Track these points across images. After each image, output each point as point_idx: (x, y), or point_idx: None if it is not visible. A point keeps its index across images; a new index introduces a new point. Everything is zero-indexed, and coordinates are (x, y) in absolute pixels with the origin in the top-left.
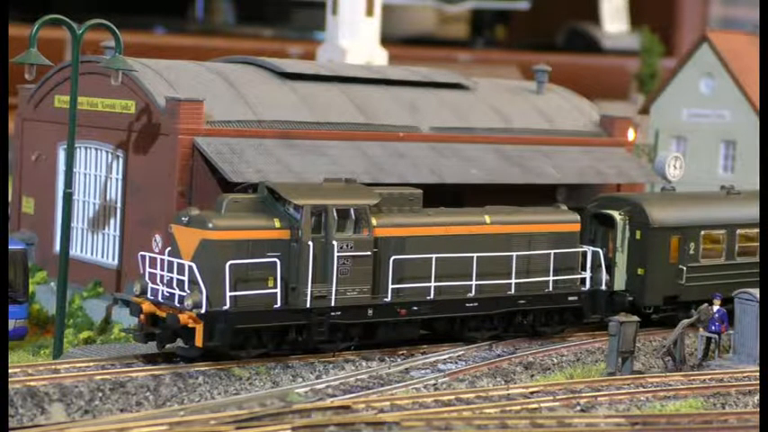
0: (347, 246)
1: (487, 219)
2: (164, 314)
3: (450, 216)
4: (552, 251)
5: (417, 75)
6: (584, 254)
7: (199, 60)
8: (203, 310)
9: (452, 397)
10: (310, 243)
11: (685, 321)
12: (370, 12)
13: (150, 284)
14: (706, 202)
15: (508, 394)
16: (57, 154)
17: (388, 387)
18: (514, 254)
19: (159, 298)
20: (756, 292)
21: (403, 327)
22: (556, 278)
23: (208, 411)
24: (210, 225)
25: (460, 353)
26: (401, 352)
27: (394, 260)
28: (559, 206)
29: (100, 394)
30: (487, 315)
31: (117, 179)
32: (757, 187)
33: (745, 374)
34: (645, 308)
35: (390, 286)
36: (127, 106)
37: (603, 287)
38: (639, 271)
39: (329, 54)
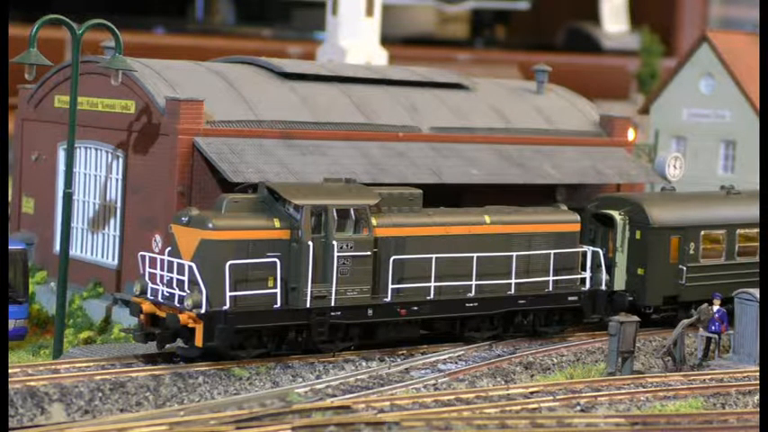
0: (347, 246)
1: (487, 219)
2: (164, 314)
3: (450, 216)
4: (552, 251)
5: (417, 75)
6: (584, 254)
7: (199, 60)
8: (203, 310)
9: (452, 397)
10: (310, 243)
11: (685, 321)
12: (370, 12)
13: (150, 284)
14: (706, 202)
15: (508, 394)
16: (57, 154)
17: (388, 387)
18: (514, 254)
19: (159, 298)
20: (756, 292)
21: (403, 327)
22: (556, 278)
23: (208, 411)
24: (210, 225)
25: (460, 353)
26: (401, 352)
27: (394, 260)
28: (559, 206)
29: (100, 394)
30: (487, 315)
31: (117, 179)
32: (757, 187)
33: (745, 374)
34: (645, 308)
35: (390, 286)
36: (127, 106)
37: (603, 287)
38: (639, 271)
39: (329, 54)
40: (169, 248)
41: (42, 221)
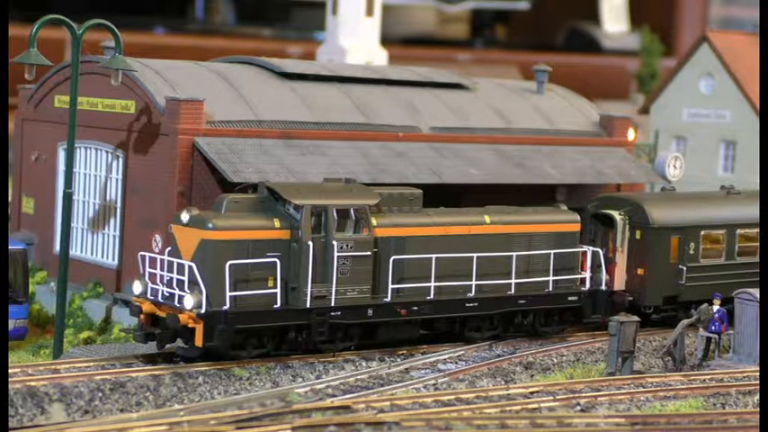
0: (347, 246)
1: (487, 219)
2: (164, 314)
3: (450, 216)
4: (552, 251)
5: (417, 75)
6: (585, 254)
7: (199, 60)
8: (203, 310)
9: (452, 397)
10: (310, 243)
11: (685, 321)
12: (370, 12)
13: (150, 284)
14: (706, 202)
15: (508, 394)
16: (57, 154)
17: (388, 387)
18: (514, 254)
19: (159, 298)
20: (756, 292)
21: (403, 327)
22: (556, 278)
23: (208, 411)
24: (210, 225)
25: (460, 353)
26: (401, 352)
27: (394, 260)
28: (559, 206)
29: (100, 394)
30: (487, 315)
31: (117, 179)
32: (757, 187)
33: (745, 374)
34: (645, 308)
35: (390, 286)
36: (127, 106)
37: (603, 287)
38: (639, 271)
39: (329, 54)
40: (169, 248)
41: (42, 221)
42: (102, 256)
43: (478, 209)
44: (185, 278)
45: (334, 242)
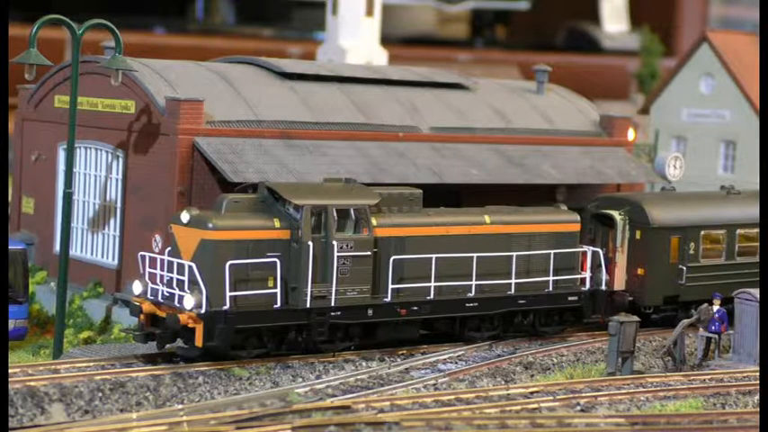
0: (347, 246)
1: (487, 219)
2: (164, 314)
3: (450, 216)
4: (552, 251)
5: (417, 75)
6: (585, 254)
7: (199, 60)
8: (203, 310)
9: (452, 397)
10: (310, 243)
11: (685, 321)
12: (370, 12)
13: (150, 284)
14: (706, 202)
15: (508, 394)
16: (57, 154)
17: (388, 387)
18: (514, 254)
19: (159, 298)
20: (756, 292)
21: (403, 327)
22: (556, 278)
23: (208, 411)
24: (210, 225)
25: (460, 353)
26: (401, 352)
27: (394, 260)
28: (559, 206)
29: (100, 394)
30: (487, 315)
31: (117, 179)
32: (757, 187)
33: (745, 374)
34: (645, 308)
35: (390, 286)
36: (127, 106)
37: (603, 287)
38: (639, 271)
39: (329, 54)
40: (169, 248)
41: (42, 221)
42: (102, 256)
43: (478, 209)
44: (185, 278)
45: (334, 242)
